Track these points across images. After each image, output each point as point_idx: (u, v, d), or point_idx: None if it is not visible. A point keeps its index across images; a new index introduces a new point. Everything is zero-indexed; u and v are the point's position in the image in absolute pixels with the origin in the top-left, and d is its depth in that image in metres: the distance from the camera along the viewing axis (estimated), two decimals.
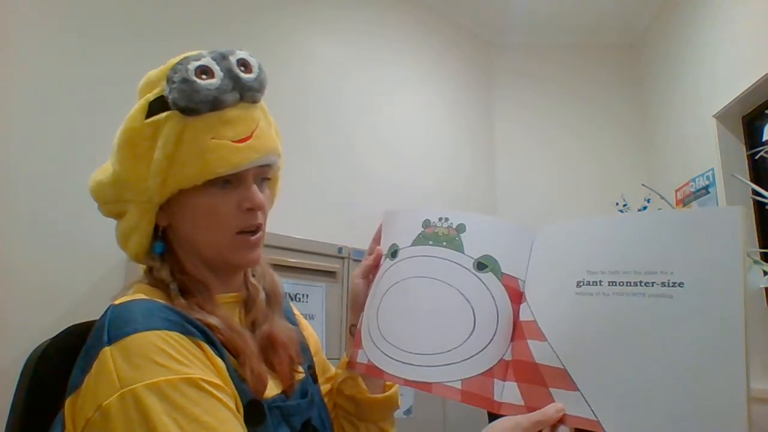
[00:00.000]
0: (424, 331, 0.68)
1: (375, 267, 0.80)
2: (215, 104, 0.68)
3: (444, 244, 0.71)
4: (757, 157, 2.42)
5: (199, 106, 0.67)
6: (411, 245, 0.74)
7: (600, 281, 0.59)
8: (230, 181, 0.70)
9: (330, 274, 1.90)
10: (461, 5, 3.27)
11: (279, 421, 0.67)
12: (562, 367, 0.58)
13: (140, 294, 0.66)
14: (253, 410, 0.64)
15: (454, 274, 0.69)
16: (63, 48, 1.88)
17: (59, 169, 1.80)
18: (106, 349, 0.57)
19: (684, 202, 2.83)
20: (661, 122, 3.17)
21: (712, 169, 2.60)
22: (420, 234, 0.74)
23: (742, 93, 2.39)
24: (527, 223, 0.70)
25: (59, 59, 1.87)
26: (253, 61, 0.73)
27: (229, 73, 0.69)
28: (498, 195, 3.34)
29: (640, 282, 0.57)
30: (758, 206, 2.44)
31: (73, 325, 0.77)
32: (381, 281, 0.76)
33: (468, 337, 0.65)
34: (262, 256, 0.81)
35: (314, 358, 0.86)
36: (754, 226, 2.47)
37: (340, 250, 1.95)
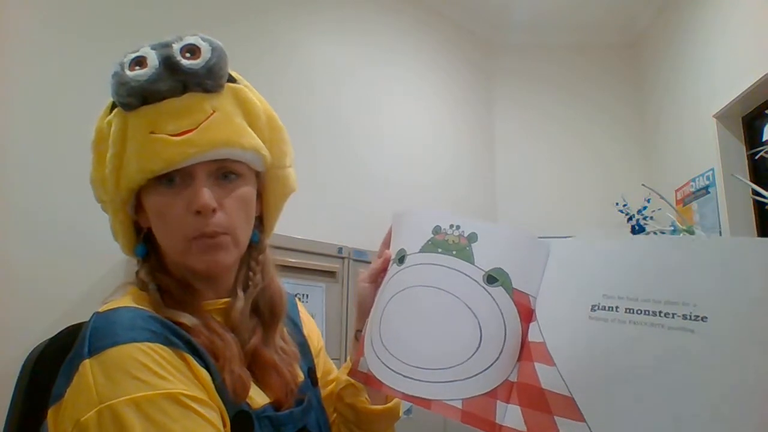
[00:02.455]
0: (427, 345, 0.65)
1: (383, 271, 0.75)
2: (147, 96, 0.63)
3: (453, 253, 0.67)
4: (757, 157, 2.41)
5: (127, 99, 0.63)
6: (419, 252, 0.70)
7: (616, 307, 0.55)
8: (178, 180, 0.64)
9: (330, 274, 1.90)
10: (461, 5, 3.27)
11: (269, 430, 0.65)
12: (570, 395, 0.55)
13: (128, 299, 0.63)
14: (241, 421, 0.61)
15: (461, 285, 0.65)
16: (63, 48, 1.88)
17: (59, 169, 1.80)
18: (86, 362, 0.55)
19: (684, 202, 2.83)
20: (661, 122, 3.17)
21: (712, 169, 2.60)
22: (429, 240, 0.70)
23: (742, 93, 2.39)
24: (542, 236, 0.65)
25: (59, 59, 1.86)
26: (204, 46, 0.65)
27: (165, 62, 0.63)
28: (498, 195, 3.34)
29: (660, 312, 0.52)
30: (758, 206, 2.44)
31: (72, 325, 0.77)
32: (386, 287, 0.72)
33: (472, 355, 0.61)
34: (268, 266, 0.76)
35: (315, 360, 0.83)
36: (754, 227, 2.47)
37: (340, 250, 1.95)
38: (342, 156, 2.64)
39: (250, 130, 0.69)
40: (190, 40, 0.65)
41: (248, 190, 0.70)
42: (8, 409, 0.72)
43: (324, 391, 0.83)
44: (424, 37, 3.17)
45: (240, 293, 0.71)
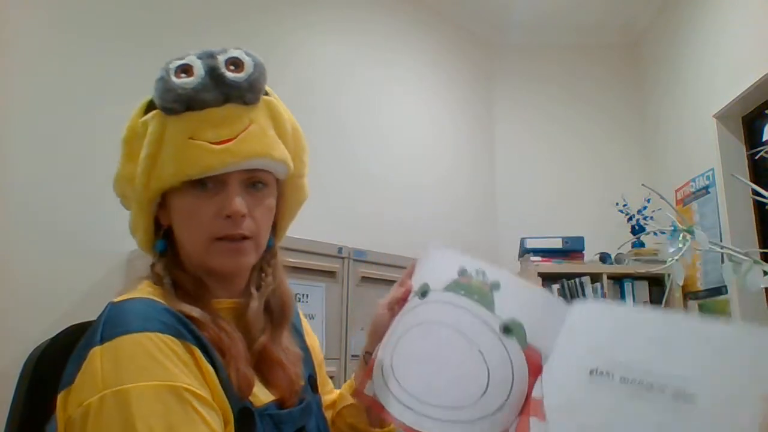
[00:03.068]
0: (435, 382, 0.67)
1: (402, 300, 0.77)
2: (192, 103, 0.65)
3: (475, 297, 0.69)
4: (757, 157, 2.42)
5: (172, 105, 0.65)
6: (442, 290, 0.72)
7: (613, 375, 0.57)
8: (213, 186, 0.68)
9: (330, 274, 1.90)
10: (461, 5, 3.27)
11: (271, 428, 0.66)
12: None
13: (143, 291, 0.65)
14: (244, 417, 0.63)
15: (477, 331, 0.67)
16: (62, 48, 1.88)
17: (60, 170, 1.80)
18: (96, 349, 0.57)
19: (684, 202, 2.83)
20: (661, 122, 3.17)
21: (712, 169, 2.60)
22: (454, 281, 0.72)
23: (742, 93, 2.39)
24: (561, 299, 0.67)
25: (59, 60, 1.87)
26: (247, 60, 0.69)
27: (211, 72, 0.66)
28: (498, 195, 3.34)
29: (653, 385, 0.54)
30: (758, 206, 2.44)
31: (73, 325, 0.77)
32: (404, 318, 0.74)
33: (477, 400, 0.63)
34: (278, 268, 0.79)
35: (317, 371, 0.85)
36: (754, 226, 2.47)
37: (340, 250, 1.95)
38: (342, 156, 2.64)
39: (280, 142, 0.72)
40: (235, 53, 0.69)
41: (273, 200, 0.74)
42: (9, 409, 0.72)
43: (323, 402, 0.85)
44: (424, 38, 3.17)
45: (254, 293, 0.74)
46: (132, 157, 0.69)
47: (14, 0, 1.81)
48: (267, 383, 0.70)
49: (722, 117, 2.59)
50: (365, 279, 1.97)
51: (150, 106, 0.69)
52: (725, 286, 2.44)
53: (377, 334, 0.77)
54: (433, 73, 3.19)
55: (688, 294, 2.74)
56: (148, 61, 2.36)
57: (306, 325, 0.91)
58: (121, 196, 0.74)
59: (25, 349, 0.77)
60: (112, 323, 0.59)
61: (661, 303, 2.77)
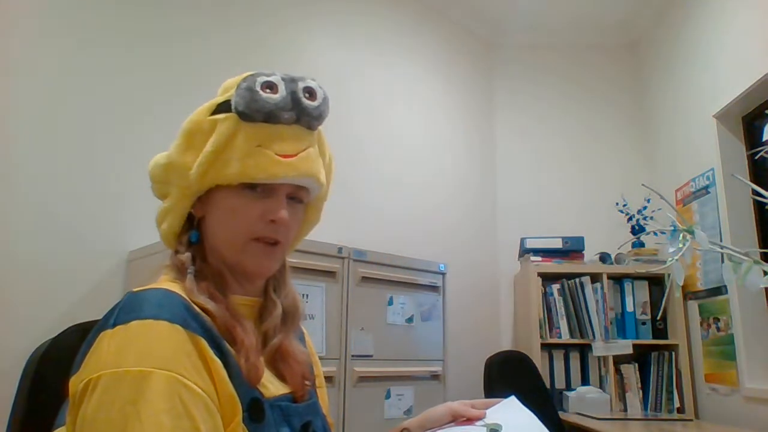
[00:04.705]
0: None
1: (469, 420, 0.81)
2: (270, 117, 0.72)
3: None
4: (757, 157, 2.42)
5: (254, 114, 0.72)
6: None
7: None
8: (263, 191, 0.74)
9: (330, 274, 1.90)
10: (461, 5, 3.27)
11: (280, 419, 0.70)
12: None
13: (162, 284, 0.68)
14: (254, 407, 0.66)
15: None
16: (64, 47, 1.88)
17: (61, 169, 1.80)
18: (107, 332, 0.60)
19: (684, 202, 2.84)
20: (661, 122, 3.17)
21: (712, 169, 2.60)
22: None
23: (742, 93, 2.39)
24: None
25: (61, 58, 1.87)
26: (319, 92, 0.78)
27: (292, 95, 0.74)
28: (498, 195, 3.34)
29: None
30: (758, 206, 2.44)
31: (74, 325, 0.77)
32: None
33: None
34: (288, 274, 0.85)
35: (318, 390, 0.88)
36: (755, 226, 2.47)
37: (340, 250, 1.95)
38: (342, 156, 2.64)
39: (323, 168, 0.82)
40: (311, 83, 0.78)
41: (302, 216, 0.83)
42: (11, 408, 0.72)
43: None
44: (424, 38, 3.17)
45: (275, 299, 0.80)
46: (192, 148, 0.74)
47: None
48: (282, 378, 0.75)
49: (722, 117, 2.59)
50: (365, 279, 1.97)
51: (220, 108, 0.74)
52: (725, 286, 2.44)
53: (427, 424, 0.83)
54: (433, 72, 3.19)
55: (688, 294, 2.74)
56: (149, 62, 2.36)
57: (308, 340, 0.93)
58: (160, 181, 0.78)
59: (26, 349, 0.77)
60: (126, 309, 0.61)
61: (661, 303, 2.77)
